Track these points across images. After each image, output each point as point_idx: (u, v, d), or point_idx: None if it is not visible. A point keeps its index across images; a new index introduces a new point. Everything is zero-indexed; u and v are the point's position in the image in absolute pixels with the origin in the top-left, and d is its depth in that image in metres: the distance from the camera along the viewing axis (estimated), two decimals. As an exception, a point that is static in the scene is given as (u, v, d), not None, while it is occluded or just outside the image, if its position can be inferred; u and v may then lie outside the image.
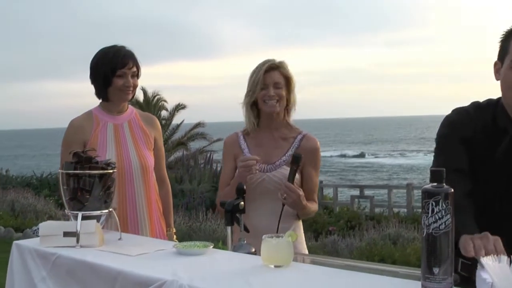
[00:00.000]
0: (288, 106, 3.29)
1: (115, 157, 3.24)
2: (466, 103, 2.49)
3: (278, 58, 3.30)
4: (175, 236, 3.52)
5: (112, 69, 3.27)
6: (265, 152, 3.25)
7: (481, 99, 2.50)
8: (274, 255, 2.21)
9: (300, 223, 3.32)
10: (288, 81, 3.25)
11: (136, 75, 3.36)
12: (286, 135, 3.29)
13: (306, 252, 3.30)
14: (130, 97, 3.36)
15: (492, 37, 2.57)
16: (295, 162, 3.06)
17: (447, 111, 2.50)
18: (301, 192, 3.06)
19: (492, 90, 2.57)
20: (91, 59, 3.36)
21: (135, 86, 3.35)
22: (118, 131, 3.36)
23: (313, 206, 3.21)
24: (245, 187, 2.87)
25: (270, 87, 3.22)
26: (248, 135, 3.33)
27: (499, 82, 2.38)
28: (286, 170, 3.14)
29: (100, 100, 3.41)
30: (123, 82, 3.29)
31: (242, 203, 2.78)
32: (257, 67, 3.27)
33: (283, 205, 3.07)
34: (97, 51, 3.36)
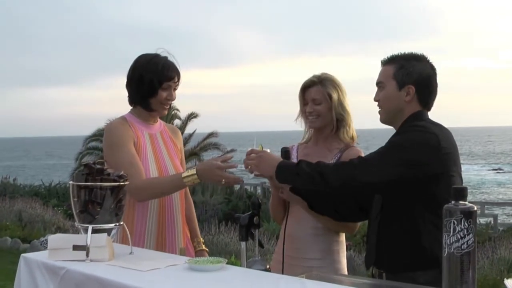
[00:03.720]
0: (337, 120, 3.31)
1: (156, 168, 3.30)
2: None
3: (320, 72, 3.37)
4: (203, 245, 3.57)
5: (159, 80, 3.30)
6: (312, 161, 3.28)
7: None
8: None
9: (342, 237, 3.32)
10: (328, 97, 3.27)
11: (176, 88, 3.41)
12: (333, 147, 3.34)
13: (345, 272, 3.29)
14: (167, 110, 3.44)
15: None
16: (282, 157, 3.08)
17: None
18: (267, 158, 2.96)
19: None
20: (133, 64, 3.36)
21: (173, 100, 3.41)
22: (153, 141, 3.40)
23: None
24: (259, 200, 2.87)
25: (309, 103, 3.30)
26: (301, 147, 3.43)
27: None
28: None
29: (131, 107, 3.44)
30: (166, 95, 3.34)
31: (257, 217, 2.78)
32: (302, 83, 3.37)
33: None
34: (139, 56, 3.38)
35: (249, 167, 2.95)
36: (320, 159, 3.19)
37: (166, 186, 3.25)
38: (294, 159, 3.34)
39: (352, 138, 3.36)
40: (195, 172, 3.11)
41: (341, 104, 3.29)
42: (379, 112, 2.89)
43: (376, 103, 2.91)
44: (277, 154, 3.03)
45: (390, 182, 2.64)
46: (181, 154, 3.59)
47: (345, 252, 3.33)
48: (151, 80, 3.29)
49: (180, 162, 3.52)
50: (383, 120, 2.89)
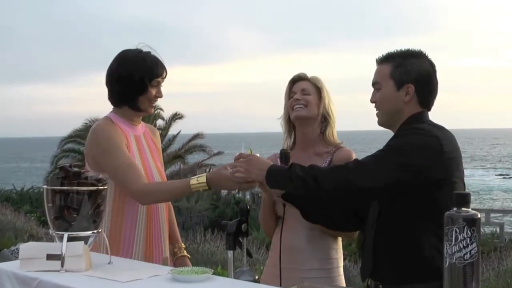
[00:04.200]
0: (323, 119, 3.35)
1: (143, 171, 3.30)
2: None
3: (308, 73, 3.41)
4: (185, 251, 3.60)
5: (149, 77, 3.32)
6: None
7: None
8: None
9: (339, 243, 3.36)
10: (318, 89, 3.33)
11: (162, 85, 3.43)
12: (321, 151, 3.36)
13: (343, 283, 3.33)
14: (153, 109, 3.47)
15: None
16: (283, 160, 3.09)
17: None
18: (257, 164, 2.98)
19: None
20: (118, 61, 3.37)
21: (161, 97, 3.44)
22: (139, 143, 3.42)
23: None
24: (248, 206, 2.87)
25: (298, 93, 3.32)
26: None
27: None
28: None
29: (112, 107, 3.43)
30: (155, 92, 3.36)
31: (246, 225, 2.78)
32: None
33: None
34: (122, 53, 3.39)
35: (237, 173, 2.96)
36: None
37: (173, 192, 3.28)
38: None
39: (335, 138, 3.39)
40: (204, 181, 3.10)
41: (329, 103, 3.35)
42: (377, 114, 2.91)
43: (373, 104, 2.92)
44: (272, 158, 3.03)
45: (388, 187, 2.65)
46: (161, 156, 3.60)
47: (342, 260, 3.37)
48: (141, 77, 3.30)
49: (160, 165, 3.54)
50: (381, 123, 2.91)
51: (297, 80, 3.38)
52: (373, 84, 2.90)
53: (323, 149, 3.36)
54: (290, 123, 3.41)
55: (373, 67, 2.98)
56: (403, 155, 2.64)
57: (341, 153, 3.32)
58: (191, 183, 3.12)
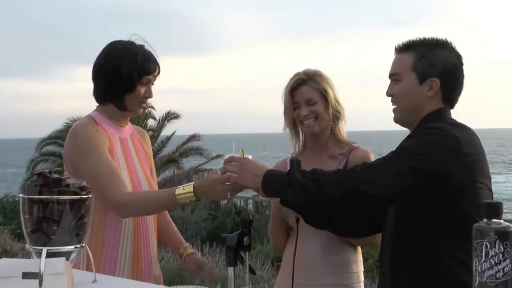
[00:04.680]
0: (334, 118, 3.41)
1: (129, 179, 3.31)
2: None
3: (310, 66, 3.44)
4: (191, 248, 3.61)
5: (139, 73, 3.31)
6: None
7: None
8: None
9: (359, 255, 3.43)
10: (323, 94, 3.36)
11: (154, 84, 3.44)
12: (335, 153, 3.43)
13: None
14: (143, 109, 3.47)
15: None
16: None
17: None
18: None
19: None
20: (105, 53, 3.38)
21: (151, 97, 3.45)
22: (124, 147, 3.42)
23: None
24: (251, 217, 2.87)
25: (302, 105, 3.36)
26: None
27: None
28: None
29: (97, 105, 3.44)
30: (144, 91, 3.36)
31: (248, 237, 2.78)
32: (286, 84, 3.43)
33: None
34: (110, 44, 3.40)
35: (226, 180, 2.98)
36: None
37: (156, 204, 3.26)
38: None
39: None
40: (191, 190, 3.09)
41: (336, 99, 3.40)
42: (394, 110, 2.90)
43: (389, 98, 2.91)
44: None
45: (400, 194, 2.65)
46: (151, 161, 3.61)
47: (362, 275, 3.45)
48: (129, 73, 3.30)
49: (150, 171, 3.55)
50: (397, 120, 2.90)
51: (296, 87, 3.39)
52: (391, 75, 2.90)
53: (337, 150, 3.42)
54: (296, 127, 3.47)
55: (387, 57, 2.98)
56: (416, 158, 2.63)
57: (357, 154, 3.37)
58: (176, 193, 3.10)
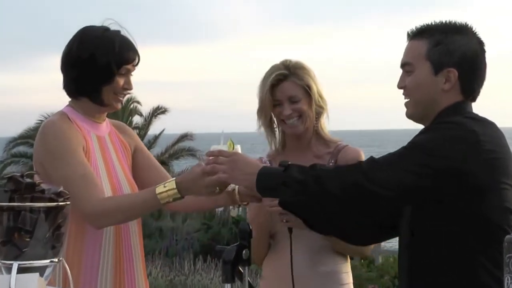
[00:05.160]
0: (317, 115, 3.48)
1: (108, 182, 3.32)
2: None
3: (291, 58, 3.49)
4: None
5: (117, 63, 3.31)
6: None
7: None
8: None
9: (348, 265, 3.52)
10: (306, 90, 3.41)
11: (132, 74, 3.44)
12: (321, 152, 3.49)
13: None
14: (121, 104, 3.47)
15: None
16: None
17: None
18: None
19: None
20: (77, 40, 3.37)
21: (131, 89, 3.45)
22: (103, 146, 3.42)
23: None
24: (251, 227, 2.88)
25: (284, 103, 3.40)
26: (274, 159, 3.51)
27: None
28: None
29: (68, 100, 3.45)
30: (123, 82, 3.36)
31: (247, 250, 2.78)
32: (263, 78, 3.45)
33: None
34: (82, 30, 3.40)
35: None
36: None
37: (137, 208, 3.26)
38: None
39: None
40: (174, 187, 3.09)
41: (320, 94, 3.47)
42: (406, 104, 2.90)
43: (401, 91, 2.90)
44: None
45: (409, 193, 2.65)
46: (142, 146, 3.64)
47: (352, 286, 3.55)
48: (107, 63, 3.30)
49: (145, 158, 3.58)
50: (410, 115, 2.90)
51: (277, 82, 3.42)
52: (403, 65, 2.90)
53: (323, 149, 3.50)
54: (272, 124, 3.53)
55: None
56: (429, 154, 2.63)
57: (347, 154, 3.45)
58: (157, 192, 3.10)
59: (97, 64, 3.29)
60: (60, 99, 3.57)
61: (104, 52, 3.30)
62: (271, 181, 2.84)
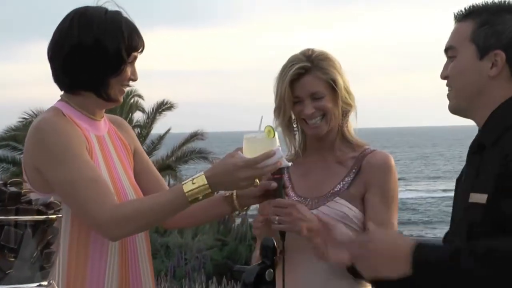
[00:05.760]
0: (344, 113, 3.49)
1: (112, 187, 3.33)
2: None
3: (314, 47, 3.48)
4: None
5: (127, 49, 3.34)
6: (314, 183, 3.47)
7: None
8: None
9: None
10: (331, 85, 3.41)
11: None
12: (345, 157, 3.50)
13: None
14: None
15: None
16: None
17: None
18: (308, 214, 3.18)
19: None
20: (73, 25, 3.36)
21: (136, 80, 3.50)
22: (103, 147, 3.44)
23: None
24: (276, 243, 2.88)
25: (305, 100, 3.40)
26: (293, 162, 3.48)
27: None
28: (338, 204, 3.37)
29: (61, 95, 3.47)
30: (131, 72, 3.40)
31: (271, 270, 2.79)
32: (281, 71, 3.47)
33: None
34: (78, 11, 3.39)
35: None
36: (329, 177, 3.35)
37: (160, 211, 3.25)
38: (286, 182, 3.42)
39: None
40: (205, 182, 3.12)
41: (347, 89, 3.48)
42: (448, 96, 2.89)
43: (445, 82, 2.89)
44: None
45: None
46: (140, 148, 3.68)
47: None
48: (117, 50, 3.31)
49: (141, 161, 3.63)
50: (452, 109, 2.90)
51: (297, 77, 3.42)
52: (446, 50, 2.90)
53: (348, 153, 3.51)
54: (291, 123, 3.57)
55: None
56: None
57: (374, 159, 3.46)
58: (185, 190, 3.12)
59: (105, 51, 3.30)
60: (49, 94, 3.57)
61: (113, 37, 3.31)
62: (440, 273, 2.50)
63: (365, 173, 3.41)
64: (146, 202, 3.31)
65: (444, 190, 59.89)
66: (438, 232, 34.34)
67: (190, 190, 3.10)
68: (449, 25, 2.90)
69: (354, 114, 3.53)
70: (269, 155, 3.11)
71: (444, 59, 2.88)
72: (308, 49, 3.47)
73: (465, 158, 2.84)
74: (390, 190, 3.43)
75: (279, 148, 3.22)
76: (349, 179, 3.42)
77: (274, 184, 3.22)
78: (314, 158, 3.51)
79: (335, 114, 3.42)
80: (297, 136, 3.61)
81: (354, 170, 3.44)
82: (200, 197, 3.14)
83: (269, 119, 3.39)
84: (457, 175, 2.94)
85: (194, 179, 3.13)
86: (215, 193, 3.19)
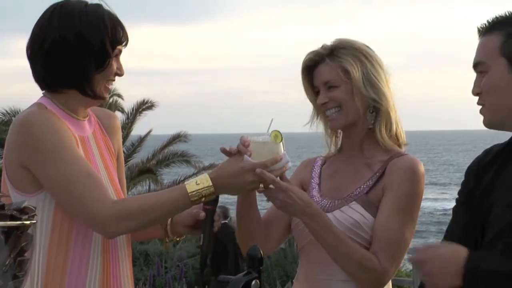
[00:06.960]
0: (372, 108, 3.44)
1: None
2: None
3: (333, 38, 3.48)
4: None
5: (112, 43, 3.35)
6: (338, 184, 3.50)
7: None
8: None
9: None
10: (347, 71, 3.38)
11: None
12: (374, 159, 3.49)
13: None
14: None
15: None
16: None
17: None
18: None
19: None
20: (52, 19, 3.36)
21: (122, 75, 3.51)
22: (86, 148, 3.43)
23: (374, 261, 3.34)
24: (262, 253, 2.88)
25: (321, 89, 3.43)
26: (329, 159, 3.59)
27: None
28: (352, 210, 3.38)
29: (44, 93, 3.46)
30: (117, 66, 3.41)
31: (257, 281, 2.79)
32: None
33: None
34: (56, 6, 3.39)
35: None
36: (352, 179, 3.40)
37: (161, 209, 3.28)
38: (314, 177, 3.54)
39: (397, 138, 3.49)
40: (210, 183, 3.17)
41: (369, 81, 3.40)
42: (481, 111, 2.91)
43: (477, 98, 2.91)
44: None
45: None
46: (121, 149, 3.70)
47: None
48: (101, 43, 3.32)
49: (119, 161, 3.62)
50: (489, 123, 2.92)
51: (312, 65, 3.46)
52: (475, 65, 2.91)
53: (378, 156, 3.48)
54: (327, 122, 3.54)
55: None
56: None
57: (398, 164, 3.42)
58: (188, 190, 3.17)
59: (88, 45, 3.31)
60: (29, 90, 3.57)
61: (96, 30, 3.32)
62: (493, 282, 2.71)
63: (386, 177, 3.41)
64: (147, 200, 3.36)
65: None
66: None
67: (194, 191, 3.15)
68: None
69: (393, 114, 3.46)
70: (276, 160, 3.21)
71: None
72: (336, 39, 3.48)
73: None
74: (406, 197, 3.39)
75: (285, 153, 3.28)
76: (371, 183, 3.41)
77: (202, 214, 3.30)
78: (345, 158, 3.53)
79: (353, 107, 3.39)
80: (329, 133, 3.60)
81: (377, 174, 3.43)
82: (203, 199, 3.20)
83: (278, 122, 3.38)
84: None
85: (198, 180, 3.19)
86: (218, 195, 3.24)
